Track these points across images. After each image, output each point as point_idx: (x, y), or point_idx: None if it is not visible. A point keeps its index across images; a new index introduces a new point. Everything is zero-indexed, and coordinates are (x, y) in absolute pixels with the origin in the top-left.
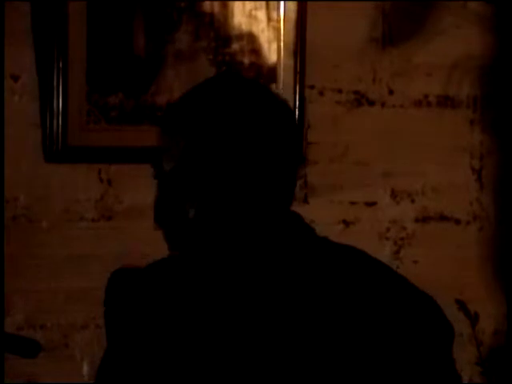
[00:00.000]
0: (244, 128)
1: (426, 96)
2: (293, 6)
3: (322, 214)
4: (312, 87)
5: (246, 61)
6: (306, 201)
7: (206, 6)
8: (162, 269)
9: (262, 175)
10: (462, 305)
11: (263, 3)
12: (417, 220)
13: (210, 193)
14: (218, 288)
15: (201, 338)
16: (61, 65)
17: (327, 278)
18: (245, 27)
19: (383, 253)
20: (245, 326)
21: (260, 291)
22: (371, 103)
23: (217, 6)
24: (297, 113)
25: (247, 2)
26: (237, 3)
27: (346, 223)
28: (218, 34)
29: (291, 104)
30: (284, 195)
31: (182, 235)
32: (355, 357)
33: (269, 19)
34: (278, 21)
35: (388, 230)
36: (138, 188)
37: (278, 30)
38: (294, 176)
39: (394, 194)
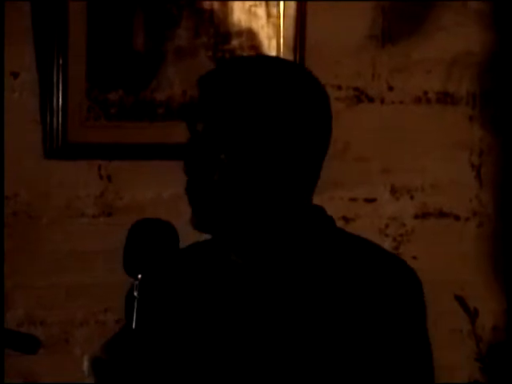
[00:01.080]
0: (276, 107)
1: (426, 92)
2: (292, 2)
3: None
4: None
5: None
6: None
7: (206, 2)
8: (188, 254)
9: (288, 154)
10: (461, 301)
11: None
12: (416, 216)
13: (236, 162)
14: (232, 276)
15: (212, 327)
16: (61, 61)
17: (340, 268)
18: (244, 24)
19: None
20: (256, 316)
21: (274, 279)
22: (371, 100)
23: (217, 3)
24: None
25: None
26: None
27: (346, 219)
28: (217, 30)
29: None
30: (308, 179)
31: (204, 195)
32: (359, 345)
33: (268, 16)
34: (278, 17)
35: (387, 226)
36: (138, 184)
37: (278, 26)
38: (320, 163)
39: (393, 191)
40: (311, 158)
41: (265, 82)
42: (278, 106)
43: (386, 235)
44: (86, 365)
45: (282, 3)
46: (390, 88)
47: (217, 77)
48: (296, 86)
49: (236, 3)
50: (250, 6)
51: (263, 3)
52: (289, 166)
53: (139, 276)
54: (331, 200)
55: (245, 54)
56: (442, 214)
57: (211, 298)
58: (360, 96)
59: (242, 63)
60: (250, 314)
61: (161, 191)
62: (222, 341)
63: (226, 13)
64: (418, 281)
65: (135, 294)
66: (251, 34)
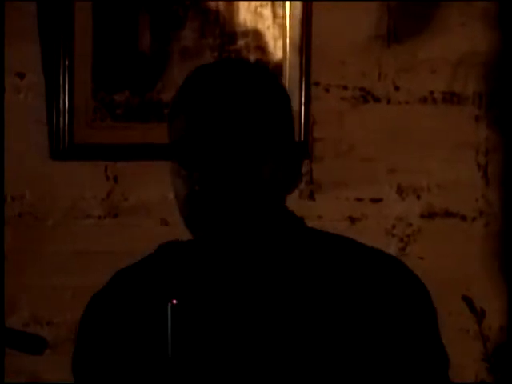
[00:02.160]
0: (240, 109)
1: (432, 92)
2: (298, 3)
3: (328, 211)
4: (317, 84)
5: (252, 58)
6: (311, 197)
7: (212, 3)
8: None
9: (290, 140)
10: (468, 301)
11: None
12: (423, 216)
13: (210, 170)
14: (209, 276)
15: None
16: (67, 62)
17: (316, 261)
18: (250, 24)
19: (389, 249)
20: (234, 316)
21: (249, 280)
22: (377, 100)
23: (222, 4)
24: (302, 109)
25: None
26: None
27: (352, 220)
28: (223, 31)
29: (297, 101)
30: (284, 182)
31: (187, 203)
32: (348, 336)
33: (274, 16)
34: (284, 18)
35: (394, 226)
36: (144, 185)
37: (284, 26)
38: (291, 159)
39: (399, 191)
40: (287, 156)
41: (229, 89)
42: (281, 96)
43: (393, 235)
44: None
45: (287, 3)
46: (396, 88)
47: (191, 83)
48: (260, 86)
49: (242, 4)
50: (256, 6)
51: (269, 4)
52: (292, 152)
53: (174, 301)
54: (337, 200)
55: (251, 54)
56: (448, 214)
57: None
58: (366, 96)
59: (211, 70)
60: (245, 316)
61: (167, 192)
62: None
63: (232, 13)
64: (409, 271)
65: (169, 319)
66: (257, 35)
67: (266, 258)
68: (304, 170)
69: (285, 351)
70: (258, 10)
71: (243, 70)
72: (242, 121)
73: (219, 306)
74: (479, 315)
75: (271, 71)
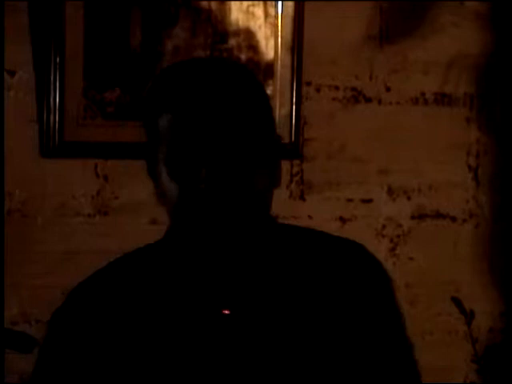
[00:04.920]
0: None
1: (423, 93)
2: (290, 2)
3: (318, 211)
4: (309, 84)
5: (243, 57)
6: (302, 197)
7: (204, 2)
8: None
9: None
10: (457, 302)
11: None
12: (413, 217)
13: (270, 163)
14: (187, 269)
15: (173, 326)
16: (58, 60)
17: (282, 253)
18: (242, 23)
19: (379, 250)
20: (214, 306)
21: (231, 274)
22: (368, 100)
23: (214, 3)
24: (293, 109)
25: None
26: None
27: (343, 220)
28: (215, 29)
29: (288, 100)
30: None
31: (249, 204)
32: (315, 321)
33: (266, 15)
34: (276, 17)
35: (384, 227)
36: (135, 184)
37: (276, 26)
38: (274, 160)
39: (390, 191)
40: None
41: (252, 79)
42: (265, 95)
43: (383, 236)
44: None
45: (279, 3)
46: (388, 89)
47: (157, 84)
48: (234, 86)
49: (234, 3)
50: (248, 5)
51: (261, 3)
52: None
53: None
54: (328, 200)
55: (242, 53)
56: (438, 215)
57: (155, 302)
58: (357, 96)
59: (178, 69)
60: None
61: None
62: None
63: (224, 12)
64: (371, 256)
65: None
66: (249, 34)
67: (240, 253)
68: (295, 170)
69: (258, 343)
70: (250, 9)
71: (226, 67)
72: (236, 120)
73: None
74: (468, 316)
75: (248, 68)
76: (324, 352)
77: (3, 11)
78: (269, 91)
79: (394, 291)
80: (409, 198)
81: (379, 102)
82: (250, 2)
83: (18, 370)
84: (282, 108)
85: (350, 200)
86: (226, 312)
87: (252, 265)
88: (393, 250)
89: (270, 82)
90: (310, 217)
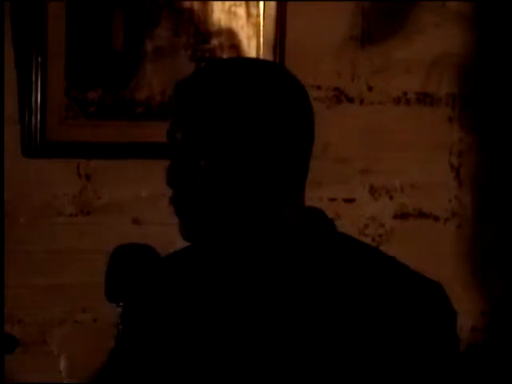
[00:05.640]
0: (255, 111)
1: (405, 93)
2: (272, 2)
3: None
4: None
5: (226, 57)
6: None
7: (186, 2)
8: (171, 262)
9: (269, 152)
10: None
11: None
12: (395, 217)
13: (217, 168)
14: (224, 281)
15: (203, 335)
16: (39, 60)
17: (334, 273)
18: (224, 23)
19: None
20: (248, 322)
21: (264, 286)
22: (350, 100)
23: (196, 3)
24: None
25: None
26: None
27: None
28: (197, 29)
29: None
30: (292, 179)
31: (189, 204)
32: (357, 350)
33: (248, 15)
34: (258, 17)
35: (367, 226)
36: (117, 183)
37: (258, 26)
38: (305, 164)
39: (372, 191)
40: (293, 160)
41: (242, 86)
42: (256, 110)
43: (365, 235)
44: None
45: (262, 3)
46: (370, 88)
47: (193, 83)
48: (275, 88)
49: (216, 3)
50: (230, 5)
51: (243, 3)
52: (271, 168)
53: (121, 304)
54: (310, 200)
55: (225, 53)
56: (421, 215)
57: (206, 308)
58: (340, 96)
59: (218, 67)
60: (244, 321)
61: (140, 190)
62: (220, 348)
63: (206, 12)
64: (442, 298)
65: (118, 321)
66: (231, 34)
67: (278, 264)
68: None
69: (275, 362)
70: (232, 9)
71: (253, 65)
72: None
73: (216, 311)
74: (455, 312)
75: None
76: None
77: (3, 11)
78: None
79: (454, 355)
80: (391, 198)
81: (361, 101)
82: (232, 2)
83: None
84: None
85: (332, 199)
86: (121, 304)
87: (285, 283)
88: None
89: None
90: None
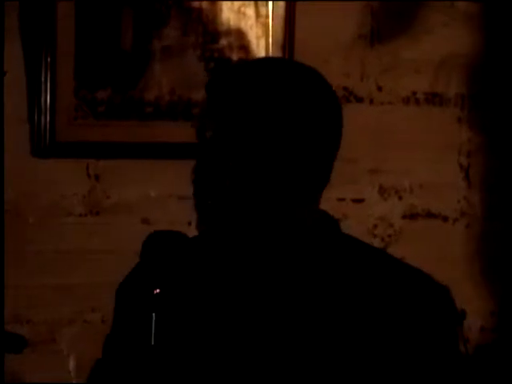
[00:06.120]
0: (284, 110)
1: (414, 93)
2: (281, 2)
3: None
4: None
5: (235, 57)
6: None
7: (195, 1)
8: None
9: (297, 156)
10: None
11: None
12: (404, 217)
13: (245, 168)
14: (234, 276)
15: (209, 329)
16: (49, 60)
17: (339, 273)
18: (233, 23)
19: None
20: (254, 318)
21: (272, 282)
22: (359, 100)
23: (205, 2)
24: None
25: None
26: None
27: None
28: (206, 29)
29: None
30: (317, 182)
31: (217, 202)
32: (360, 350)
33: (257, 15)
34: (267, 17)
35: (375, 226)
36: (126, 183)
37: (267, 26)
38: (331, 164)
39: (381, 191)
40: (319, 162)
41: (273, 89)
42: (286, 113)
43: (374, 236)
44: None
45: (271, 3)
46: (379, 88)
47: (225, 82)
48: (305, 92)
49: (225, 3)
50: (239, 5)
51: (252, 3)
52: (297, 170)
53: (157, 291)
54: None
55: (233, 53)
56: (430, 215)
57: (222, 300)
58: (349, 96)
59: (251, 67)
60: (250, 314)
61: (149, 190)
62: (233, 341)
63: (215, 12)
64: (447, 301)
65: (152, 309)
66: (240, 34)
67: (288, 263)
68: None
69: (278, 355)
70: (241, 9)
71: (287, 68)
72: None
73: (222, 302)
74: (460, 316)
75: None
76: None
77: (3, 11)
78: None
79: (455, 357)
80: (400, 198)
81: (370, 101)
82: (241, 2)
83: (10, 371)
84: None
85: (341, 200)
86: (157, 291)
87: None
88: (384, 249)
89: None
90: None
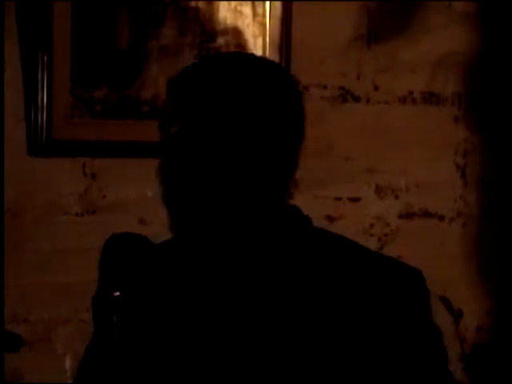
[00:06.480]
0: (246, 102)
1: (411, 92)
2: (278, 2)
3: (306, 210)
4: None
5: None
6: (290, 196)
7: (192, 1)
8: (160, 253)
9: (261, 148)
10: (445, 301)
11: None
12: (401, 216)
13: (211, 162)
14: (211, 277)
15: (193, 331)
16: (45, 59)
17: (318, 267)
18: (230, 22)
19: None
20: (237, 317)
21: (253, 281)
22: (356, 99)
23: (202, 2)
24: None
25: None
26: None
27: (331, 219)
28: (203, 28)
29: None
30: (283, 176)
31: (183, 200)
32: (350, 342)
33: (254, 15)
34: (264, 16)
35: (372, 225)
36: (122, 182)
37: (264, 25)
38: (295, 157)
39: (378, 190)
40: (284, 155)
41: (237, 83)
42: (251, 106)
43: (371, 235)
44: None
45: (267, 3)
46: (376, 88)
47: (189, 78)
48: (264, 82)
49: (222, 2)
50: (236, 4)
51: (249, 2)
52: (263, 166)
53: (116, 294)
54: (316, 199)
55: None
56: (426, 214)
57: (193, 301)
58: (345, 96)
59: (210, 62)
60: (223, 317)
61: (145, 189)
62: (207, 341)
63: (212, 11)
64: (414, 278)
65: (113, 312)
66: (237, 33)
67: (262, 259)
68: None
69: (265, 353)
70: (238, 8)
71: (245, 60)
72: (245, 115)
73: (194, 304)
74: (456, 315)
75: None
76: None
77: (3, 11)
78: None
79: (428, 338)
80: (397, 197)
81: (367, 101)
82: (238, 2)
83: (10, 371)
84: None
85: (338, 199)
86: (116, 293)
87: (269, 272)
88: (380, 248)
89: None
90: None
